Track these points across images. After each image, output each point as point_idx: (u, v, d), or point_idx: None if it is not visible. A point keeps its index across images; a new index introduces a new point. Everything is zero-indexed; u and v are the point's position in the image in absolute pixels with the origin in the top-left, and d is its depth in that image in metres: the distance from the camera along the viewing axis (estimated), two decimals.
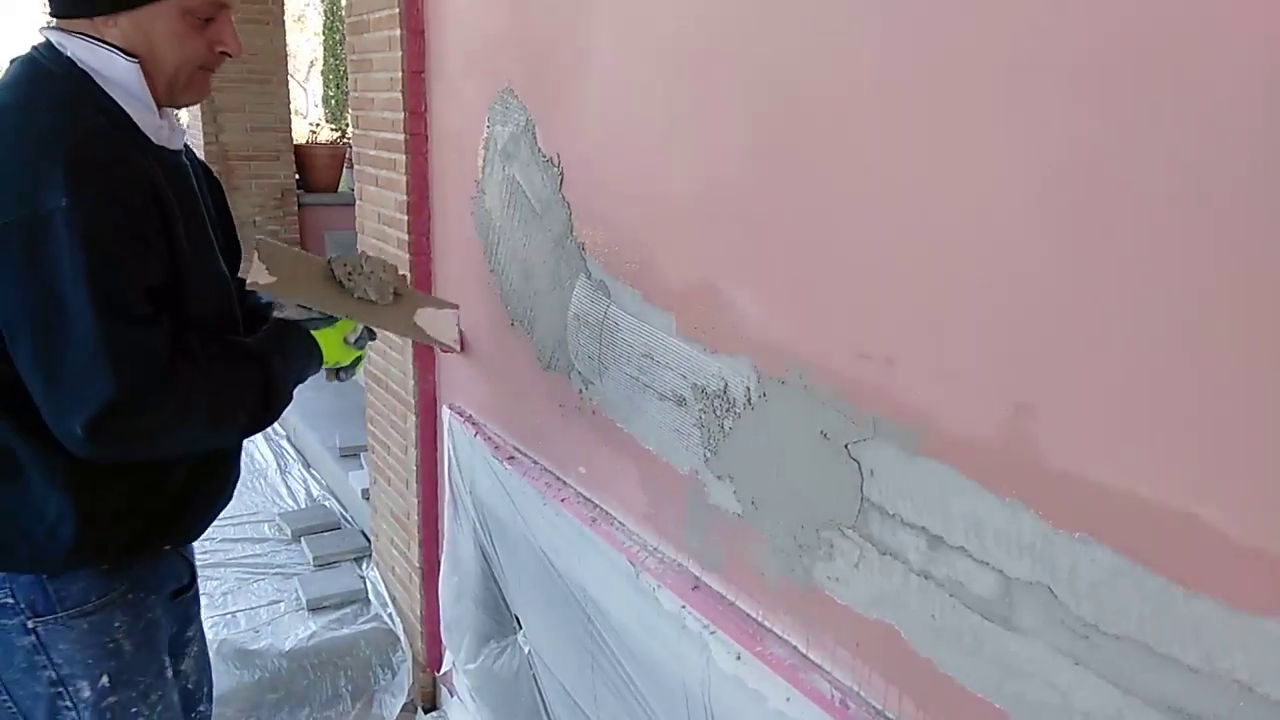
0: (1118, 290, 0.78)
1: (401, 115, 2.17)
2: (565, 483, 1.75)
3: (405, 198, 2.24)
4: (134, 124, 1.25)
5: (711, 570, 1.36)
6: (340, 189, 6.16)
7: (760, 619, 1.26)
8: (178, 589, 1.54)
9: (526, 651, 2.01)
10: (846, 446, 1.08)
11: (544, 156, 1.66)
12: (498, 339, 1.95)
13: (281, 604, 2.90)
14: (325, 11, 10.13)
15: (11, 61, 1.24)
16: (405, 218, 2.25)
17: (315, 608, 2.87)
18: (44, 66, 1.21)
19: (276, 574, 3.09)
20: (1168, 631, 0.77)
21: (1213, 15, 0.69)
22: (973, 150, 0.89)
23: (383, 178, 2.36)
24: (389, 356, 2.55)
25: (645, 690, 1.52)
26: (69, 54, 1.21)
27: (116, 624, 1.38)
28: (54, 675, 1.34)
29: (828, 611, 1.14)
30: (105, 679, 1.37)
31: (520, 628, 2.03)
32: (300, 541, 3.31)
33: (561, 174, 1.61)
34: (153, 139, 1.28)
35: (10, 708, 1.37)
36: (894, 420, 1.01)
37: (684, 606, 1.37)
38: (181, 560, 1.56)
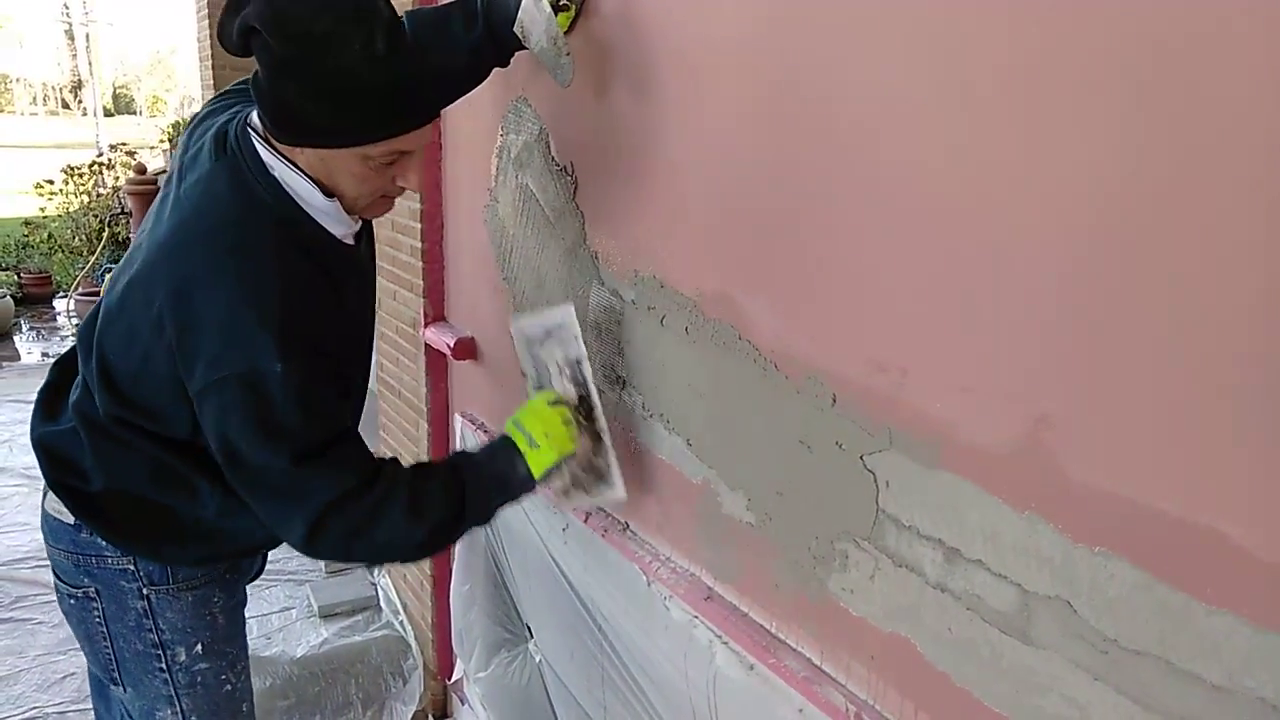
0: (1140, 300, 0.77)
1: None
2: None
3: (418, 206, 2.24)
4: (333, 238, 1.35)
5: (724, 581, 1.35)
6: None
7: (774, 630, 1.25)
8: (251, 576, 1.72)
9: (538, 661, 2.00)
10: (862, 458, 1.07)
11: (557, 165, 1.66)
12: (510, 347, 1.94)
13: (293, 610, 2.90)
14: None
15: (217, 155, 1.29)
16: (418, 225, 2.26)
17: (327, 615, 2.87)
18: (254, 190, 1.28)
19: (288, 580, 3.09)
20: (1189, 648, 0.76)
21: (1236, 16, 0.68)
22: (990, 159, 0.88)
23: None
24: (401, 364, 2.55)
25: (655, 701, 1.51)
26: (275, 175, 1.28)
27: (215, 599, 1.54)
28: (155, 639, 1.51)
29: (842, 624, 1.13)
30: (199, 647, 1.54)
31: (531, 637, 2.03)
32: None
33: (575, 183, 1.61)
34: (347, 242, 1.39)
35: (106, 650, 1.52)
36: (910, 432, 1.01)
37: (696, 617, 1.36)
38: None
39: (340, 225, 1.35)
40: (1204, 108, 0.71)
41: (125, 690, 1.55)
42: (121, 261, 1.40)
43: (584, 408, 1.43)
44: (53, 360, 1.58)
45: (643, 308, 1.46)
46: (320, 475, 1.27)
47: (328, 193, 1.30)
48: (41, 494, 1.52)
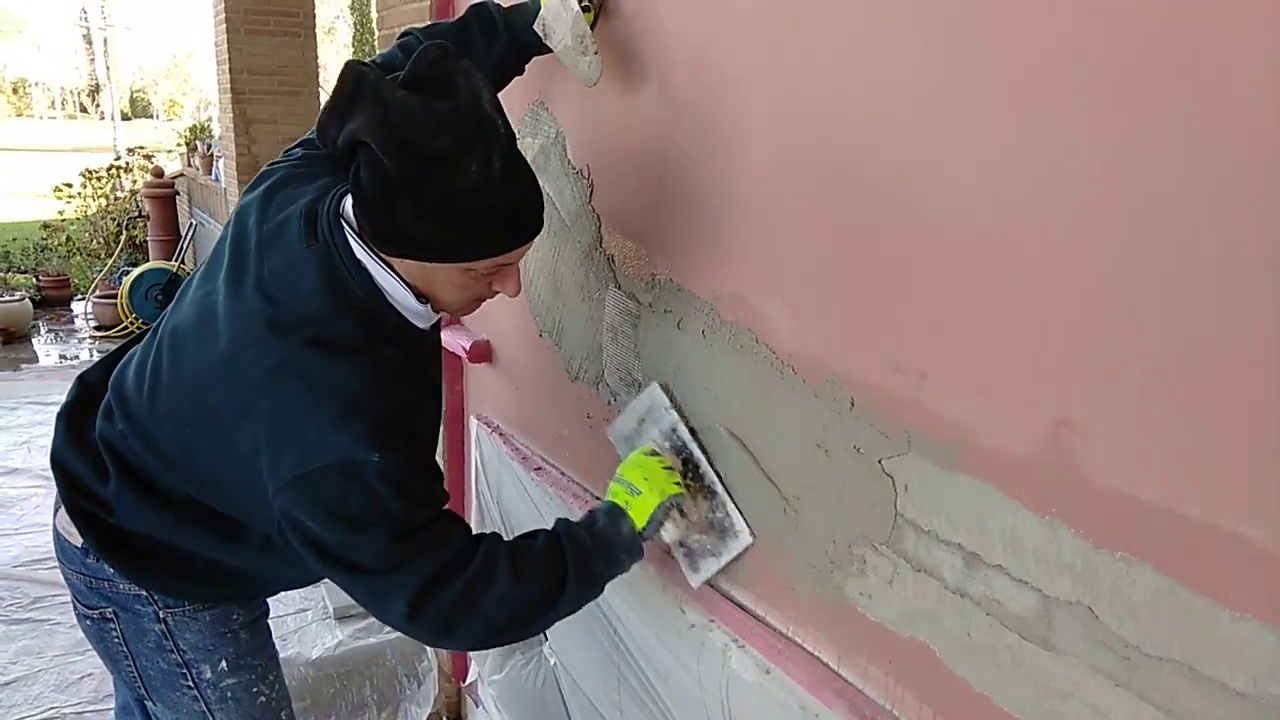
0: (1162, 301, 0.76)
1: None
2: (593, 494, 1.75)
3: None
4: (416, 329, 1.34)
5: (741, 585, 1.35)
6: None
7: (790, 634, 1.25)
8: None
9: (553, 664, 2.00)
10: (880, 461, 1.07)
11: (574, 168, 1.66)
12: (526, 350, 1.95)
13: (309, 612, 2.91)
14: (355, 23, 10.25)
15: (307, 241, 1.27)
16: None
17: (342, 616, 2.88)
18: (345, 282, 1.26)
19: None
20: (1212, 654, 0.76)
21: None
22: (1010, 160, 0.88)
23: None
24: None
25: (670, 704, 1.51)
26: (368, 269, 1.27)
27: (234, 616, 1.53)
28: (179, 659, 1.49)
29: (860, 628, 1.13)
30: (224, 664, 1.52)
31: (546, 639, 2.03)
32: None
33: (591, 186, 1.62)
34: (425, 328, 1.38)
35: (130, 669, 1.52)
36: (929, 435, 1.00)
37: (712, 620, 1.36)
38: None
39: (425, 322, 1.35)
40: (1227, 105, 0.70)
41: (157, 705, 1.54)
42: (189, 317, 1.34)
43: (690, 469, 1.39)
44: (75, 368, 1.58)
45: (659, 311, 1.46)
46: (420, 553, 1.22)
47: (420, 296, 1.29)
48: (54, 507, 1.50)
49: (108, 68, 32.06)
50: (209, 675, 1.50)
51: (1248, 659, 0.73)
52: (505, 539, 1.32)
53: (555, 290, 1.79)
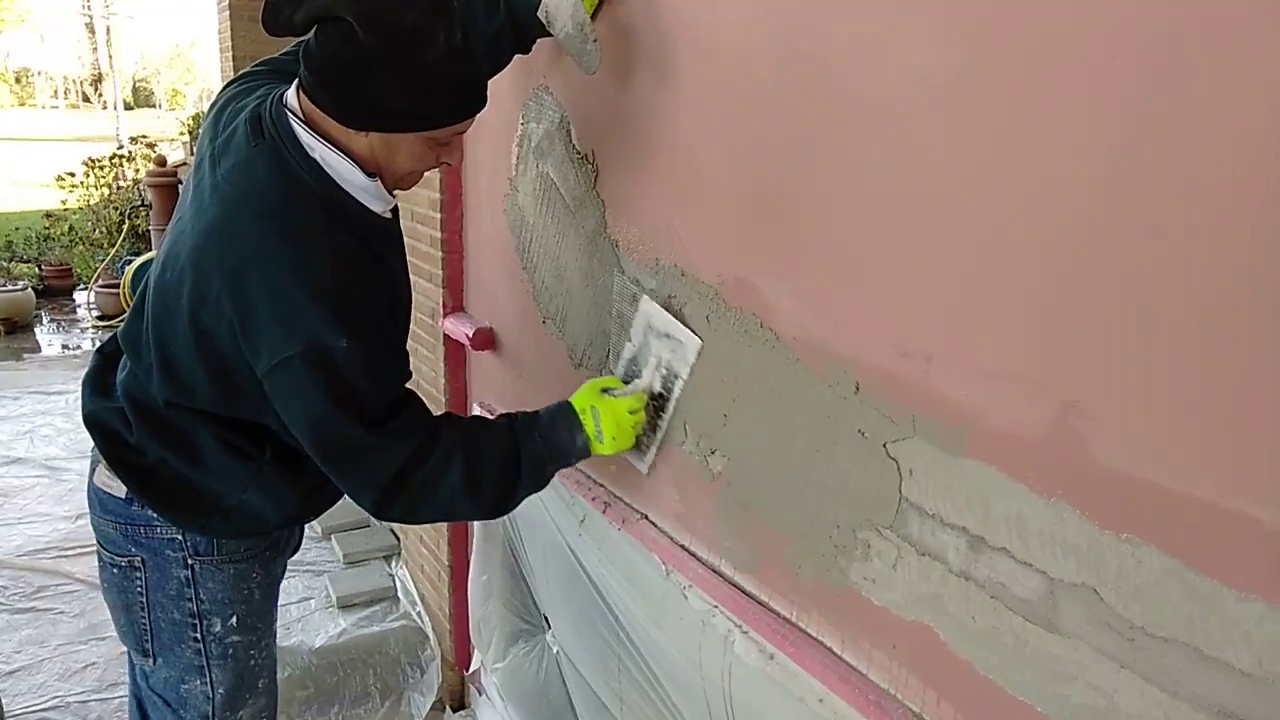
0: (1170, 282, 0.76)
1: None
2: (596, 481, 1.75)
3: (438, 196, 2.24)
4: (373, 214, 1.39)
5: (744, 570, 1.35)
6: None
7: (794, 619, 1.25)
8: (291, 550, 1.78)
9: (555, 651, 2.01)
10: (885, 445, 1.07)
11: (578, 153, 1.66)
12: (529, 337, 1.95)
13: (312, 601, 2.92)
14: None
15: (254, 140, 1.32)
16: (438, 216, 2.26)
17: (345, 605, 2.89)
18: (296, 174, 1.31)
19: (307, 571, 3.11)
20: (1219, 634, 0.76)
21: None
22: (1016, 140, 0.88)
23: None
24: (420, 355, 2.56)
25: (671, 691, 1.51)
26: (316, 156, 1.31)
27: (254, 574, 1.60)
28: (194, 608, 1.55)
29: (864, 613, 1.13)
30: (234, 619, 1.58)
31: (549, 627, 2.03)
32: (330, 539, 3.32)
33: (596, 170, 1.61)
34: (385, 216, 1.43)
35: (143, 620, 1.56)
36: (934, 419, 1.00)
37: (715, 606, 1.36)
38: (299, 527, 1.78)
39: (379, 201, 1.39)
40: (1235, 83, 0.70)
41: (155, 661, 1.59)
42: (162, 255, 1.43)
43: (658, 403, 1.49)
44: (77, 358, 1.64)
45: (663, 296, 1.45)
46: (388, 444, 1.31)
47: (369, 172, 1.34)
48: (89, 469, 1.58)
49: (110, 57, 32.03)
50: (218, 629, 1.56)
51: (1254, 640, 0.73)
52: (466, 430, 1.41)
53: (559, 277, 1.78)
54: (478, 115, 1.35)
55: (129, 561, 1.53)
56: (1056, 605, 0.89)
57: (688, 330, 1.40)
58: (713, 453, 1.38)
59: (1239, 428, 0.73)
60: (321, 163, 1.31)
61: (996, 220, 0.91)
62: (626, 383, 1.53)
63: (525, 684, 2.14)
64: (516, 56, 1.59)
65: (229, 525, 1.52)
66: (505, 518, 2.08)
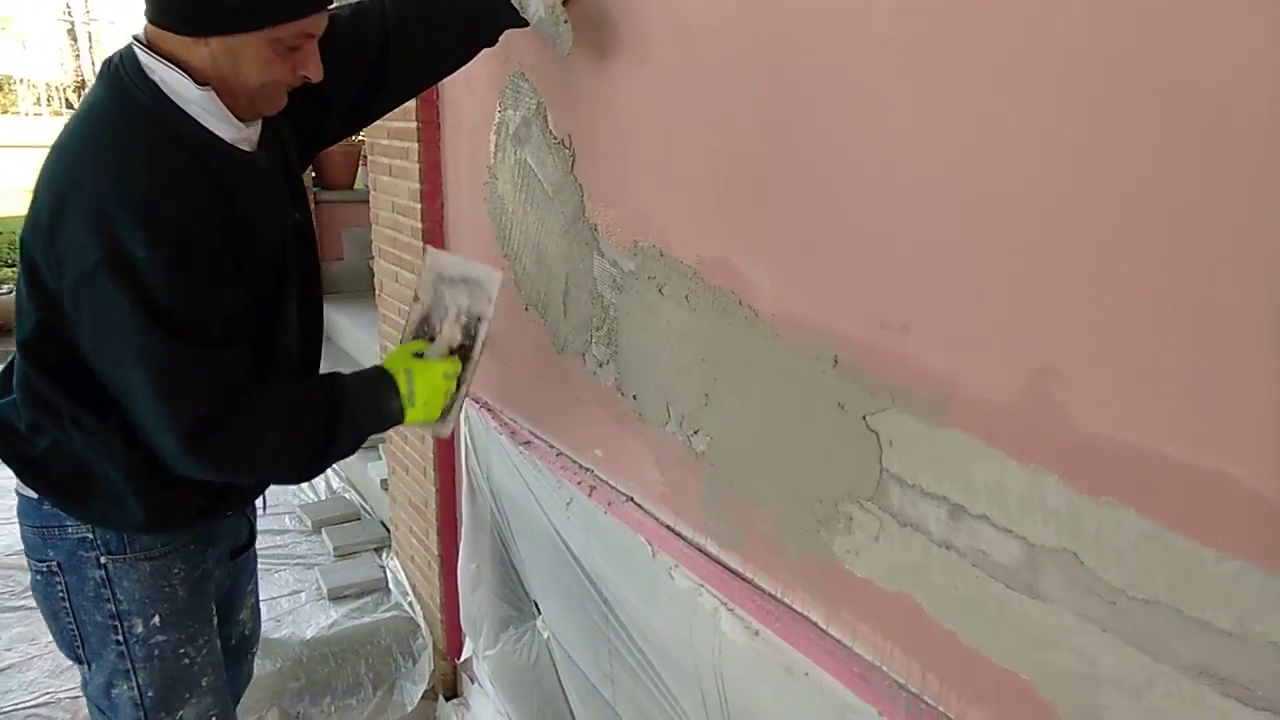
0: (1143, 244, 0.76)
1: (413, 103, 2.16)
2: (582, 465, 1.74)
3: (418, 186, 2.23)
4: (218, 139, 1.30)
5: (729, 548, 1.34)
6: (356, 186, 6.17)
7: (779, 595, 1.25)
8: (238, 547, 1.70)
9: (546, 637, 2.00)
10: (864, 418, 1.06)
11: (555, 138, 1.65)
12: (512, 324, 1.94)
13: (303, 593, 2.91)
14: None
15: (100, 77, 1.30)
16: (418, 206, 2.25)
17: (336, 597, 2.88)
18: (131, 94, 1.26)
19: (297, 564, 3.10)
20: (1199, 595, 0.75)
21: None
22: (987, 112, 0.87)
23: (395, 167, 2.35)
24: None
25: (662, 672, 1.51)
26: (156, 78, 1.26)
27: (175, 570, 1.51)
28: (113, 609, 1.48)
29: (847, 585, 1.12)
30: (157, 619, 1.50)
31: (539, 613, 2.03)
32: (321, 532, 3.32)
33: (573, 155, 1.60)
34: (241, 148, 1.34)
35: (71, 628, 1.51)
36: (913, 389, 1.00)
37: (701, 585, 1.35)
38: (243, 520, 1.71)
39: (225, 125, 1.31)
40: (1207, 42, 0.69)
41: (90, 667, 1.54)
42: None
43: (460, 354, 1.47)
44: None
45: (643, 277, 1.45)
46: (204, 375, 1.25)
47: (200, 83, 1.26)
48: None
49: (93, 63, 31.79)
50: (140, 629, 1.49)
51: (1234, 598, 0.73)
52: (287, 389, 1.39)
53: (539, 263, 1.77)
54: (324, 15, 1.29)
55: (48, 566, 1.48)
56: (1037, 571, 0.88)
57: (484, 266, 1.38)
58: (695, 433, 1.38)
59: (1215, 387, 0.72)
60: (160, 83, 1.26)
61: (969, 189, 0.90)
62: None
63: (517, 670, 2.13)
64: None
65: (126, 514, 1.42)
66: (492, 505, 2.08)
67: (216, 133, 1.30)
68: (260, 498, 1.72)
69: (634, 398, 1.52)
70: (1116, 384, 0.79)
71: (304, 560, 3.13)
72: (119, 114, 1.26)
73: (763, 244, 1.19)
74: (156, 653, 1.51)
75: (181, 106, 1.27)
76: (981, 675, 0.96)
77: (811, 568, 1.18)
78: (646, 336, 1.46)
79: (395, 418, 1.46)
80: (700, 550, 1.40)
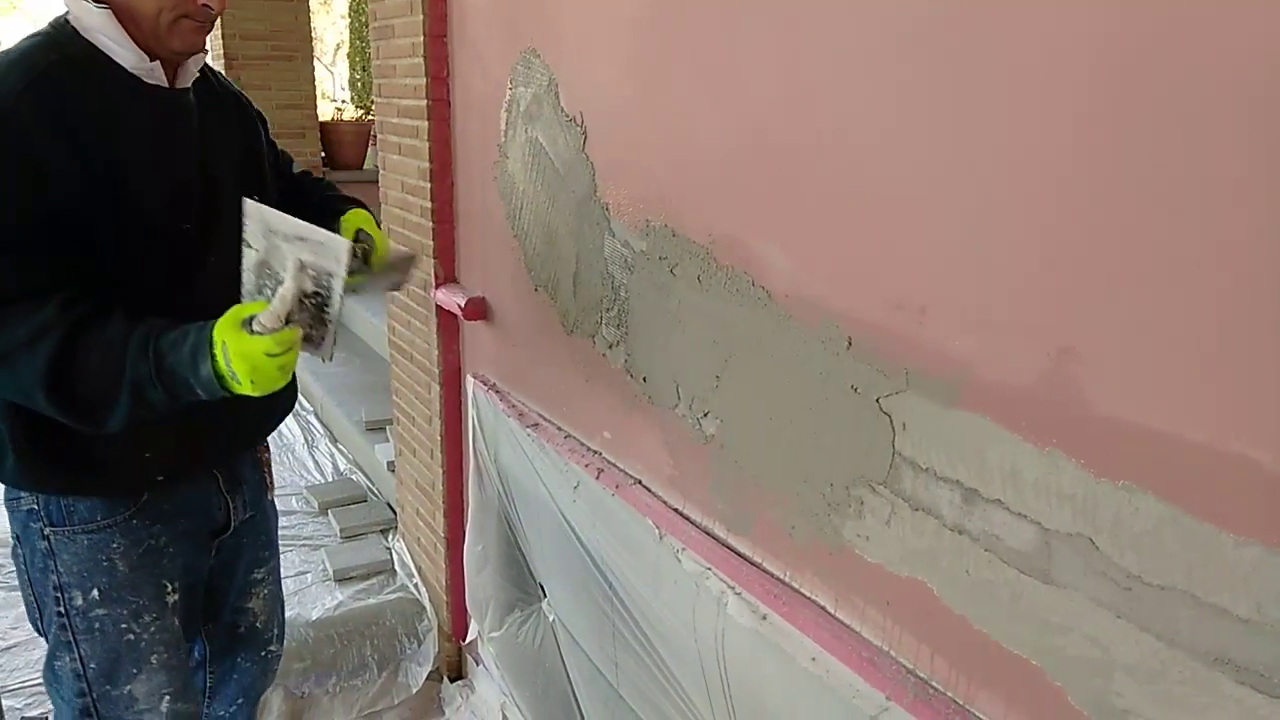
0: (1165, 223, 0.74)
1: (423, 81, 2.15)
2: (590, 448, 1.73)
3: (428, 165, 2.22)
4: (118, 65, 1.33)
5: (738, 531, 1.33)
6: (365, 166, 6.17)
7: (787, 579, 1.24)
8: (215, 529, 1.67)
9: (551, 620, 2.00)
10: (878, 400, 1.05)
11: (566, 116, 1.63)
12: (521, 305, 1.93)
13: (309, 575, 2.91)
14: None
15: None
16: (428, 185, 2.23)
17: (342, 578, 2.88)
18: (44, 31, 1.32)
19: (304, 545, 3.10)
20: (1216, 581, 0.74)
21: None
22: (1005, 86, 0.85)
23: (405, 145, 2.34)
24: (413, 327, 2.54)
25: (666, 656, 1.50)
26: (68, 15, 1.33)
27: (114, 544, 1.49)
28: (56, 580, 1.48)
29: (857, 571, 1.11)
30: (96, 592, 1.49)
31: (545, 596, 2.02)
32: (327, 514, 3.32)
33: (585, 133, 1.58)
34: (144, 79, 1.36)
35: (31, 601, 1.54)
36: (928, 371, 0.98)
37: (708, 568, 1.35)
38: (214, 499, 1.65)
39: (127, 52, 1.33)
40: (1227, 19, 0.68)
41: (49, 639, 1.55)
42: None
43: (317, 300, 1.30)
44: None
45: (654, 258, 1.43)
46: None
47: (100, 3, 1.29)
48: None
49: None
50: (80, 602, 1.49)
51: (1252, 585, 0.72)
52: (81, 322, 1.25)
53: (549, 243, 1.76)
54: None
55: (14, 544, 1.51)
56: (1052, 556, 0.87)
57: (324, 230, 1.25)
58: (705, 415, 1.37)
59: (1237, 369, 0.71)
60: (71, 18, 1.32)
61: (987, 167, 0.89)
62: (261, 297, 1.35)
63: (521, 652, 2.13)
64: (501, 16, 1.57)
65: (56, 476, 1.40)
66: (499, 488, 2.07)
67: (117, 60, 1.33)
68: (247, 480, 1.70)
69: (644, 380, 1.51)
70: (1136, 367, 0.78)
71: (310, 541, 3.14)
72: (27, 46, 1.30)
73: (776, 224, 1.18)
74: (97, 626, 1.50)
75: (85, 35, 1.31)
76: (992, 660, 0.95)
77: (821, 552, 1.17)
78: (657, 318, 1.45)
79: (211, 385, 1.26)
80: (708, 534, 1.39)
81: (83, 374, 1.25)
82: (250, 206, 1.31)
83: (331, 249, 1.24)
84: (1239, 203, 0.69)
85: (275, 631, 1.90)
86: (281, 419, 1.77)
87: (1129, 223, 0.77)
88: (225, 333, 1.24)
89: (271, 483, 1.83)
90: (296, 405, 4.46)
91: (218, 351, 1.24)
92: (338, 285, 1.26)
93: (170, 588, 1.58)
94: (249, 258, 1.36)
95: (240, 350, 1.22)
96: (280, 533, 3.15)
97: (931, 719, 1.00)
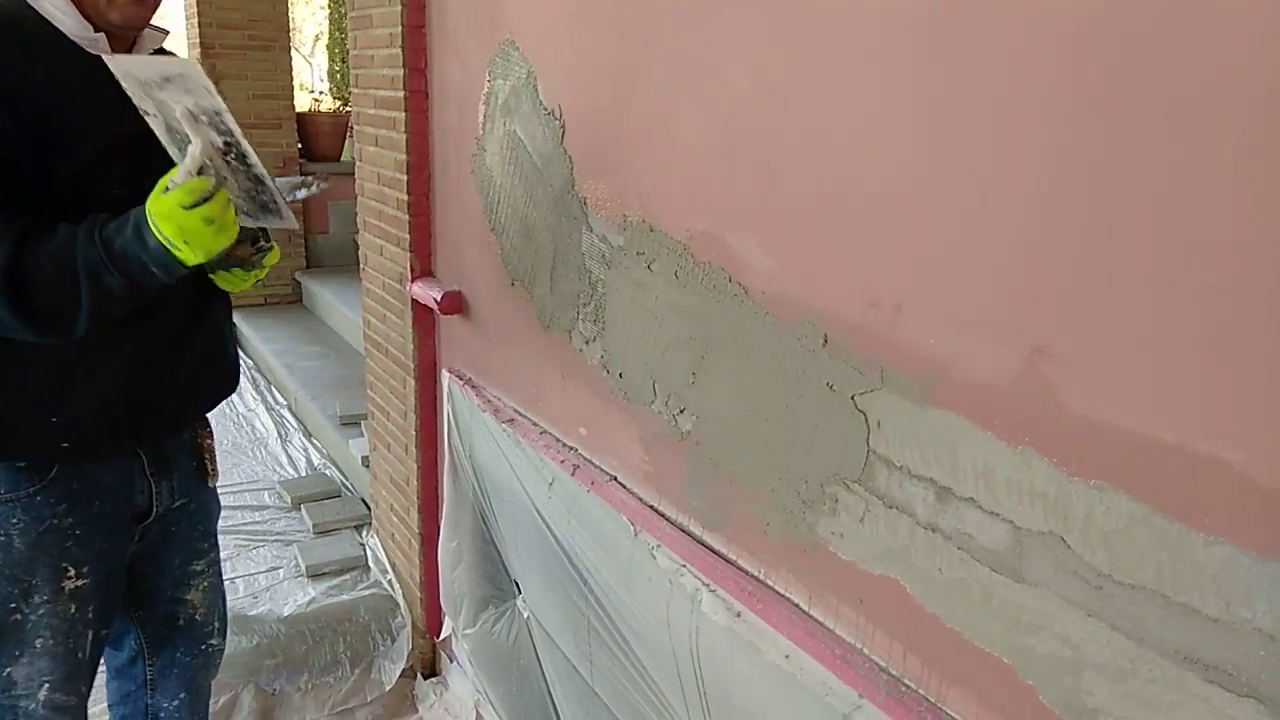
0: (1138, 225, 0.74)
1: (401, 72, 2.13)
2: (565, 444, 1.72)
3: (405, 157, 2.20)
4: (58, 31, 1.35)
5: (713, 529, 1.33)
6: (343, 158, 6.12)
7: (762, 576, 1.24)
8: (138, 513, 1.59)
9: (525, 617, 1.99)
10: (853, 398, 1.05)
11: (545, 109, 1.62)
12: (498, 300, 1.92)
13: (281, 570, 2.88)
14: None
15: None
16: (405, 178, 2.21)
17: (315, 574, 2.85)
18: None
19: (276, 541, 3.07)
20: (1186, 580, 0.75)
21: None
22: (981, 84, 0.85)
23: (382, 137, 2.32)
24: (389, 321, 2.52)
25: (641, 653, 1.50)
26: None
27: (14, 520, 1.44)
28: None
29: (831, 567, 1.11)
30: None
31: (519, 593, 2.01)
32: (300, 509, 3.29)
33: (563, 127, 1.58)
34: (86, 48, 1.37)
35: None
36: (903, 370, 0.98)
37: (683, 565, 1.34)
38: (136, 482, 1.57)
39: (69, 19, 1.36)
40: (1212, 14, 0.68)
41: None
42: None
43: (234, 153, 1.26)
44: None
45: (631, 253, 1.43)
46: None
47: None
48: None
49: None
50: None
51: (1221, 584, 0.72)
52: (26, 229, 1.26)
53: (527, 237, 1.75)
54: None
55: None
56: (1024, 555, 0.87)
57: (175, 59, 1.24)
58: (681, 411, 1.36)
59: (1208, 369, 0.71)
60: None
61: (964, 167, 0.89)
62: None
63: (496, 649, 2.12)
64: (480, 7, 1.55)
65: None
66: (474, 484, 2.06)
67: (59, 26, 1.35)
68: (179, 465, 1.63)
69: (620, 375, 1.51)
70: (1109, 367, 0.78)
71: (282, 537, 3.10)
72: None
73: (754, 221, 1.18)
74: None
75: (33, 5, 1.34)
76: (963, 658, 0.95)
77: (795, 549, 1.17)
78: (634, 313, 1.44)
79: (161, 258, 1.24)
80: (683, 530, 1.39)
81: (37, 279, 1.25)
82: (113, 63, 1.25)
83: (192, 76, 1.20)
84: (1214, 204, 0.69)
85: (216, 625, 1.84)
86: (213, 400, 1.68)
87: (1104, 224, 0.77)
88: (151, 201, 1.24)
89: (214, 470, 1.75)
90: (270, 399, 4.43)
91: (150, 221, 1.23)
92: (231, 122, 1.23)
93: (72, 572, 1.51)
94: (155, 126, 1.32)
95: (159, 211, 1.22)
96: (252, 527, 3.14)
97: (904, 717, 1.00)
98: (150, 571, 1.70)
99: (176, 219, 1.21)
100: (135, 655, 1.79)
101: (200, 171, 1.24)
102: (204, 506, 1.75)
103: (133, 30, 1.42)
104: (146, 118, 1.31)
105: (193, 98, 1.22)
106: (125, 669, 1.81)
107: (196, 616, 1.78)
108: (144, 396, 1.51)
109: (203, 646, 1.82)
